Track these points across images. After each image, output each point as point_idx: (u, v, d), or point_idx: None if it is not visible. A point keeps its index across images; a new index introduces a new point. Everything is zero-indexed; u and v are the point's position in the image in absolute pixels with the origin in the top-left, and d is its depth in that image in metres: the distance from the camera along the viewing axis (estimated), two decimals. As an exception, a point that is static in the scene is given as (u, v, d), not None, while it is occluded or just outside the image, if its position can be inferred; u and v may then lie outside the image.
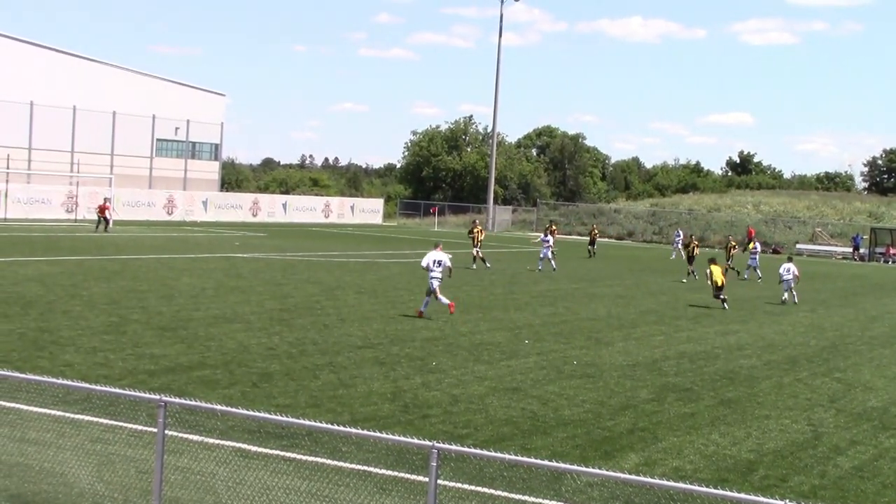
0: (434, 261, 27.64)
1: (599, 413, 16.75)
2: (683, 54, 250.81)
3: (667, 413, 17.09)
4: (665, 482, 8.30)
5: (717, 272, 34.69)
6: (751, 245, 54.33)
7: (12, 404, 13.64)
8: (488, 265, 44.83)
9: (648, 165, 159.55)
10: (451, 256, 29.18)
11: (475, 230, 46.34)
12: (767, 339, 27.16)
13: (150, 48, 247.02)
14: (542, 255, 46.09)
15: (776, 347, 25.77)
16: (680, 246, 68.01)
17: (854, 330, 30.76)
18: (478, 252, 45.39)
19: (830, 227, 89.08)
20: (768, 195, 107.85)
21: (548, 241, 46.29)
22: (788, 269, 38.04)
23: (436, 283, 27.43)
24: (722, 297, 34.51)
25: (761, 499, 7.70)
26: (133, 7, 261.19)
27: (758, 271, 48.21)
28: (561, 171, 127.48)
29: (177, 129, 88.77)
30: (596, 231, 63.65)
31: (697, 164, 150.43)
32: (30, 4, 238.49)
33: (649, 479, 8.22)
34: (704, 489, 7.91)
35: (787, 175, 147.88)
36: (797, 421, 17.11)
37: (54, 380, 11.73)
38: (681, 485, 8.27)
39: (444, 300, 27.50)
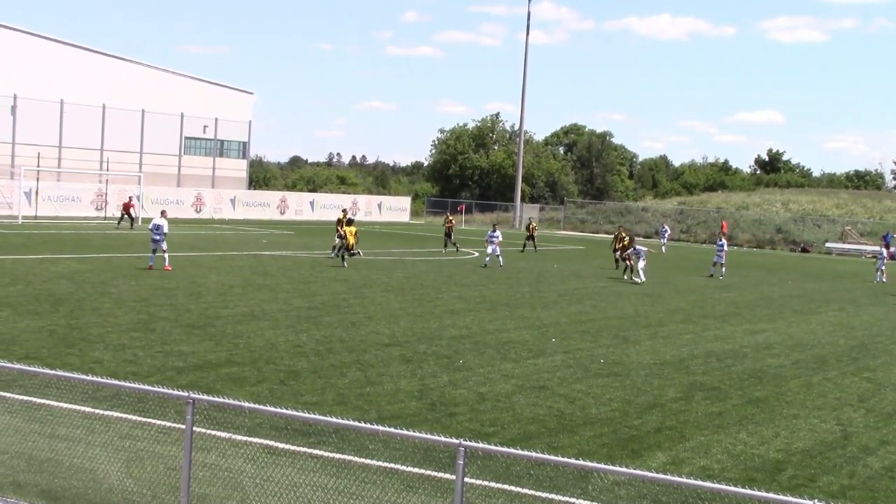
0: (155, 225, 34.88)
1: (626, 412, 16.71)
2: (712, 52, 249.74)
3: (694, 412, 17.03)
4: (692, 481, 8.26)
5: (350, 233, 40.14)
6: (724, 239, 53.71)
7: (43, 400, 13.75)
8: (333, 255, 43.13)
9: (676, 164, 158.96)
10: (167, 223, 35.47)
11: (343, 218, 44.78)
12: (796, 338, 27.00)
13: (179, 47, 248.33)
14: (489, 252, 44.53)
15: (805, 346, 25.62)
16: (665, 240, 67.88)
17: (884, 329, 30.53)
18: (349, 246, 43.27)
19: (860, 226, 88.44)
20: (797, 193, 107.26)
21: (496, 238, 44.83)
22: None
23: (159, 244, 34.24)
24: (352, 253, 40.09)
25: (790, 498, 7.65)
26: (162, 6, 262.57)
27: (723, 269, 46.59)
28: (588, 169, 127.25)
29: (205, 127, 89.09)
30: (535, 225, 61.46)
31: (726, 162, 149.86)
32: (60, 4, 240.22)
33: (677, 478, 8.19)
34: (732, 488, 7.87)
35: (816, 173, 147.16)
36: (826, 420, 17.01)
37: (84, 376, 11.81)
38: (708, 484, 8.24)
39: (165, 259, 34.46)
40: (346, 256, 40.20)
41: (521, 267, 45.36)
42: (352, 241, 40.22)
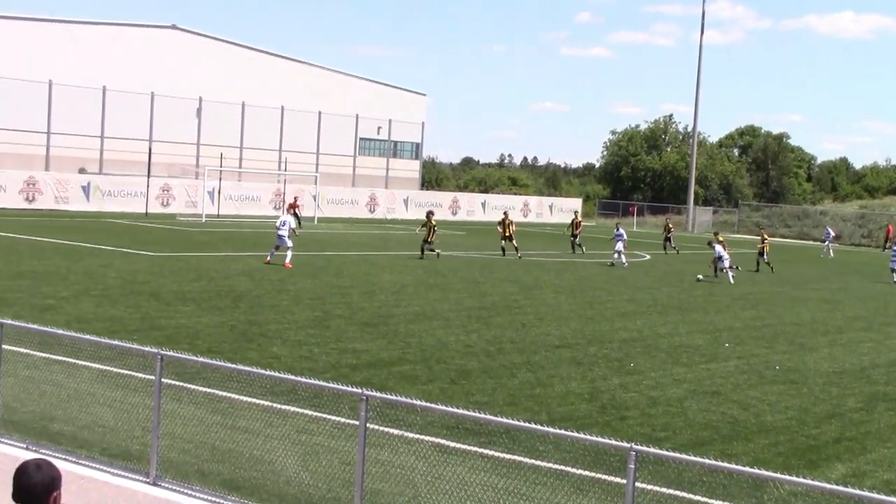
0: (281, 221, 36.24)
1: (803, 420, 16.24)
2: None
3: (877, 423, 16.41)
4: (876, 495, 7.98)
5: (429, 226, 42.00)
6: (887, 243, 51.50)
7: (224, 393, 14.26)
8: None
9: (857, 166, 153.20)
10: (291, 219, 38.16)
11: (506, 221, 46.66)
12: None
13: (354, 50, 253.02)
14: (620, 250, 44.69)
15: None
16: (829, 243, 65.37)
17: None
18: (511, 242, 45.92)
19: None
20: None
21: (621, 236, 45.05)
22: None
23: (283, 241, 34.99)
24: (430, 248, 42.16)
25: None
26: (338, 10, 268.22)
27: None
28: (764, 171, 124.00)
29: (379, 128, 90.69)
30: (671, 225, 58.91)
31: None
32: (243, 10, 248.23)
33: (858, 492, 7.92)
34: (919, 504, 7.56)
35: None
36: None
37: (262, 371, 12.21)
38: (893, 499, 7.94)
39: (287, 257, 34.49)
40: (424, 249, 42.11)
41: (694, 271, 44.57)
42: (429, 234, 42.24)
